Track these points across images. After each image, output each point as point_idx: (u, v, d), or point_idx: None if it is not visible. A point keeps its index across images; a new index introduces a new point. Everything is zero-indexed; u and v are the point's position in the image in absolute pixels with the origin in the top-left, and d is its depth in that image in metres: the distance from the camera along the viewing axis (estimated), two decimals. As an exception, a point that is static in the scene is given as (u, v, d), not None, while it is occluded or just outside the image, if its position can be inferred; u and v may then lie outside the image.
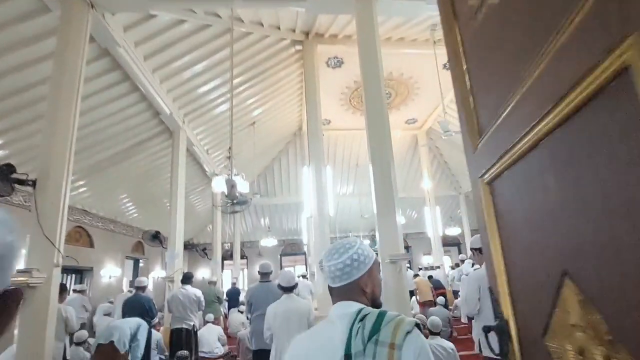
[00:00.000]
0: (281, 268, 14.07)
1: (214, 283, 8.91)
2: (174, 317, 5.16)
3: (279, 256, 15.99)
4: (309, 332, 1.08)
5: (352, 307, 0.99)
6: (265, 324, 3.33)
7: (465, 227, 14.53)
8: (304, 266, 15.13)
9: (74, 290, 7.33)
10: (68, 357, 4.98)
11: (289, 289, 3.44)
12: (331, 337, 0.95)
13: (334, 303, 1.05)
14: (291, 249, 16.56)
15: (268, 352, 3.43)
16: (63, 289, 4.65)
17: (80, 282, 9.01)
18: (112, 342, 4.01)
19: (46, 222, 3.49)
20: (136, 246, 11.74)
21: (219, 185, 4.43)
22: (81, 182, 8.02)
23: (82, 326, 6.23)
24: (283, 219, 15.73)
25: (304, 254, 15.65)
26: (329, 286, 1.08)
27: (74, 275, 9.09)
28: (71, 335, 5.30)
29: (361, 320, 0.94)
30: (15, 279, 3.33)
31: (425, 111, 10.71)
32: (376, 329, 0.90)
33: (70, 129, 3.81)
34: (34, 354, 3.32)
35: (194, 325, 5.22)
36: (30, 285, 3.34)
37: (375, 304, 1.06)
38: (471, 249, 3.05)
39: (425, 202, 11.74)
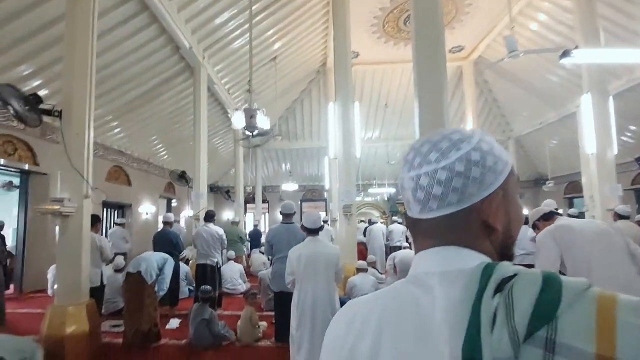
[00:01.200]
0: (302, 213, 14.25)
1: (237, 223, 9.22)
2: (199, 253, 5.39)
3: (299, 201, 16.05)
4: (373, 298, 0.54)
5: (468, 259, 0.48)
6: (288, 268, 2.96)
7: (515, 179, 13.05)
8: (325, 213, 15.25)
9: (116, 224, 7.97)
10: (105, 282, 5.31)
11: (314, 231, 3.03)
12: (425, 321, 0.46)
13: (418, 250, 0.54)
14: (311, 194, 16.69)
15: (288, 294, 3.14)
16: (96, 220, 4.82)
17: (123, 217, 9.71)
18: (139, 271, 4.22)
19: (73, 154, 3.58)
20: (168, 187, 12.33)
21: (238, 120, 4.26)
22: (115, 123, 8.15)
23: (124, 256, 6.77)
24: (304, 164, 15.65)
25: (325, 200, 15.80)
26: (410, 219, 0.55)
27: (116, 211, 9.91)
28: (108, 263, 5.63)
29: (498, 289, 0.41)
30: (48, 206, 3.45)
31: (475, 36, 9.15)
32: (546, 311, 0.38)
33: (89, 58, 3.72)
34: (72, 275, 3.55)
35: (217, 262, 5.44)
36: (64, 214, 3.46)
37: (507, 254, 0.53)
38: (534, 222, 2.50)
39: (467, 146, 10.82)
